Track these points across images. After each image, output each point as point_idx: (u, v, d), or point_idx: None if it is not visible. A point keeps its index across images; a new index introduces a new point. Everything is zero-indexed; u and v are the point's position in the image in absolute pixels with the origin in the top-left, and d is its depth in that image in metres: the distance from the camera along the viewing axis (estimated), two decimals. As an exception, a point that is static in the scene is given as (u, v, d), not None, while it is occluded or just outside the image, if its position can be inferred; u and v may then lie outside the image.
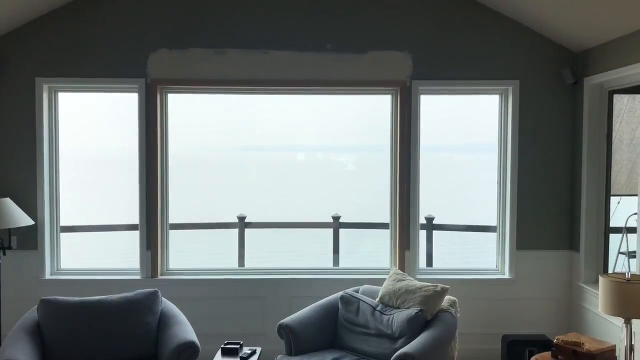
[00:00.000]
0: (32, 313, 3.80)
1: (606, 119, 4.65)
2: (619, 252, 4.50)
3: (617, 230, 4.65)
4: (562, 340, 3.72)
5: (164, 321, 3.85)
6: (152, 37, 4.80)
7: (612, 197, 4.68)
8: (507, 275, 4.99)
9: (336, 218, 5.68)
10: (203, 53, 4.82)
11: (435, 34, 4.87)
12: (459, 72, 4.88)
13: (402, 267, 4.89)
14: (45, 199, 4.84)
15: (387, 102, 5.00)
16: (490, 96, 5.05)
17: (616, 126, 4.63)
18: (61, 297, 3.81)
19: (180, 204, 5.17)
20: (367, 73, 4.86)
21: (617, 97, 4.62)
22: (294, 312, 4.10)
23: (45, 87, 4.82)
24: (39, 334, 3.65)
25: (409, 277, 4.23)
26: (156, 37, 4.81)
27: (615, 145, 4.63)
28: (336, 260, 5.51)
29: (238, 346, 3.95)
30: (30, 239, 4.82)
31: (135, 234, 4.93)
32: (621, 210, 4.57)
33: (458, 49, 4.87)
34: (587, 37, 4.53)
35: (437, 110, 5.05)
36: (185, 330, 3.70)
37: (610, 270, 4.61)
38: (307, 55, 4.84)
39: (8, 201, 4.53)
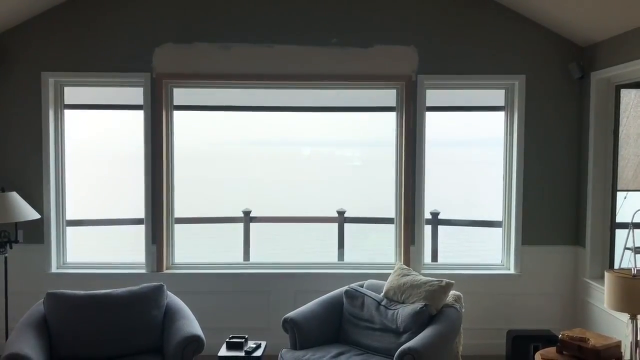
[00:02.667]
0: (38, 306, 3.82)
1: (613, 113, 4.62)
2: (625, 248, 4.47)
3: (624, 225, 4.61)
4: (567, 336, 3.71)
5: (169, 315, 3.87)
6: (157, 31, 4.80)
7: (618, 192, 4.65)
8: (512, 271, 4.98)
9: (341, 213, 5.67)
10: (208, 47, 4.82)
11: (441, 28, 4.85)
12: (465, 66, 4.86)
13: (407, 262, 4.89)
14: (51, 193, 4.86)
15: (393, 96, 4.98)
16: (497, 91, 5.03)
17: (623, 121, 4.60)
18: (67, 291, 3.83)
19: (185, 198, 5.18)
20: (373, 67, 4.84)
21: (624, 92, 4.59)
22: (299, 307, 4.11)
23: (51, 81, 4.83)
24: (45, 327, 3.67)
25: (414, 272, 4.23)
26: (161, 31, 4.81)
27: (622, 140, 4.60)
28: (341, 255, 5.51)
29: (243, 340, 3.96)
30: (36, 232, 4.84)
31: (141, 228, 4.95)
32: (628, 206, 4.54)
33: (464, 44, 4.85)
34: (594, 31, 4.50)
35: (444, 103, 5.03)
36: (191, 324, 3.71)
37: (616, 266, 4.59)
38: (312, 49, 4.83)
39: (14, 195, 4.55)
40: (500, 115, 5.03)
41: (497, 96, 5.03)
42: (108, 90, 5.05)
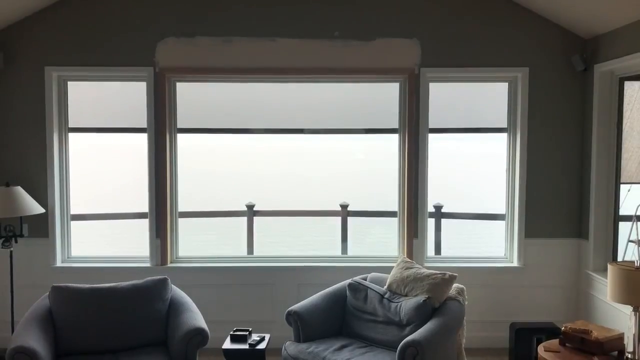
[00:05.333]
0: (43, 300, 3.84)
1: (617, 106, 4.61)
2: (629, 241, 4.47)
3: (627, 218, 4.61)
4: (570, 328, 3.72)
5: (173, 308, 3.89)
6: (160, 26, 4.81)
7: (622, 185, 4.64)
8: (515, 263, 4.99)
9: (344, 206, 5.68)
10: (211, 41, 4.82)
11: (444, 20, 4.84)
12: (468, 59, 4.85)
13: (410, 255, 4.90)
14: (55, 188, 4.88)
15: (396, 89, 4.98)
16: (500, 83, 5.02)
17: (627, 113, 4.58)
18: (72, 284, 3.85)
19: (189, 192, 5.20)
20: (376, 61, 4.84)
21: (628, 84, 4.57)
22: (302, 300, 4.12)
23: (54, 75, 4.84)
24: (50, 321, 3.69)
25: (417, 265, 4.23)
26: (164, 25, 4.81)
27: (625, 132, 4.59)
28: (344, 249, 5.52)
29: (247, 333, 3.98)
30: (41, 227, 4.87)
31: (145, 222, 4.97)
32: (631, 199, 4.53)
33: (467, 36, 4.84)
34: (597, 23, 4.48)
35: (446, 97, 5.02)
36: (195, 317, 3.73)
37: (619, 259, 4.59)
38: (314, 43, 4.83)
39: (19, 189, 4.57)
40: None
41: (499, 89, 5.01)
42: (110, 85, 5.06)
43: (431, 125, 4.93)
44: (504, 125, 5.02)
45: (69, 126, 4.98)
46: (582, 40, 4.82)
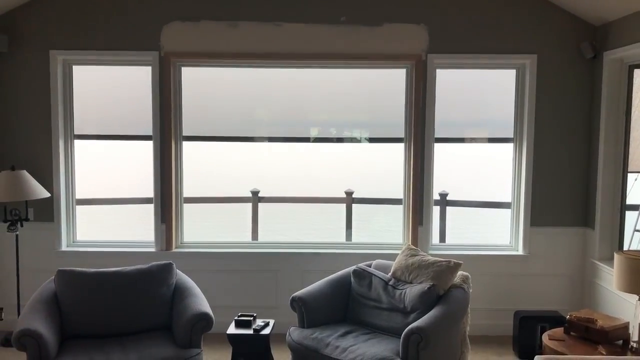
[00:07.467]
0: (49, 284, 3.86)
1: (626, 94, 4.57)
2: (635, 230, 4.45)
3: (634, 207, 4.60)
4: (575, 317, 3.71)
5: (178, 293, 3.89)
6: (165, 9, 4.77)
7: (629, 174, 4.61)
8: (520, 252, 4.98)
9: (349, 193, 5.68)
10: (216, 25, 4.79)
11: (452, 6, 4.79)
12: (476, 45, 4.80)
13: (415, 242, 4.89)
14: (60, 172, 4.89)
15: (403, 76, 4.94)
16: (507, 71, 4.97)
17: (635, 101, 4.54)
18: (78, 268, 3.86)
19: (194, 178, 5.20)
20: (382, 46, 4.80)
21: (637, 72, 4.53)
22: (307, 286, 4.12)
23: (59, 59, 4.82)
24: (56, 304, 3.71)
25: (422, 253, 4.22)
26: (169, 9, 4.78)
27: (634, 121, 4.55)
28: (349, 236, 5.53)
29: (251, 318, 3.99)
30: (46, 211, 4.88)
31: (150, 207, 4.97)
32: (638, 188, 4.51)
33: (475, 22, 4.79)
34: (607, 10, 4.42)
35: (453, 84, 4.98)
36: (199, 302, 3.73)
37: (625, 248, 4.57)
38: (320, 28, 4.79)
39: (24, 174, 4.57)
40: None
41: (506, 77, 4.97)
42: (114, 81, 5.03)
43: (437, 120, 4.87)
44: (511, 122, 4.98)
45: (74, 127, 4.98)
46: (592, 27, 4.77)
